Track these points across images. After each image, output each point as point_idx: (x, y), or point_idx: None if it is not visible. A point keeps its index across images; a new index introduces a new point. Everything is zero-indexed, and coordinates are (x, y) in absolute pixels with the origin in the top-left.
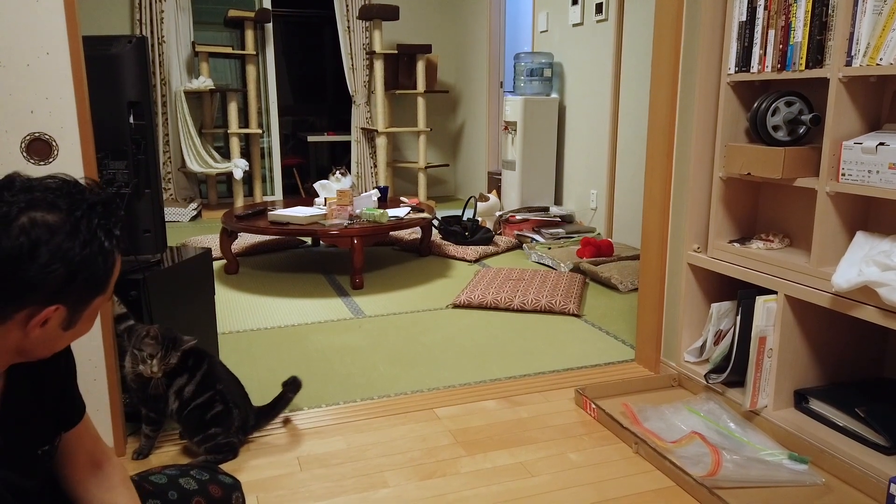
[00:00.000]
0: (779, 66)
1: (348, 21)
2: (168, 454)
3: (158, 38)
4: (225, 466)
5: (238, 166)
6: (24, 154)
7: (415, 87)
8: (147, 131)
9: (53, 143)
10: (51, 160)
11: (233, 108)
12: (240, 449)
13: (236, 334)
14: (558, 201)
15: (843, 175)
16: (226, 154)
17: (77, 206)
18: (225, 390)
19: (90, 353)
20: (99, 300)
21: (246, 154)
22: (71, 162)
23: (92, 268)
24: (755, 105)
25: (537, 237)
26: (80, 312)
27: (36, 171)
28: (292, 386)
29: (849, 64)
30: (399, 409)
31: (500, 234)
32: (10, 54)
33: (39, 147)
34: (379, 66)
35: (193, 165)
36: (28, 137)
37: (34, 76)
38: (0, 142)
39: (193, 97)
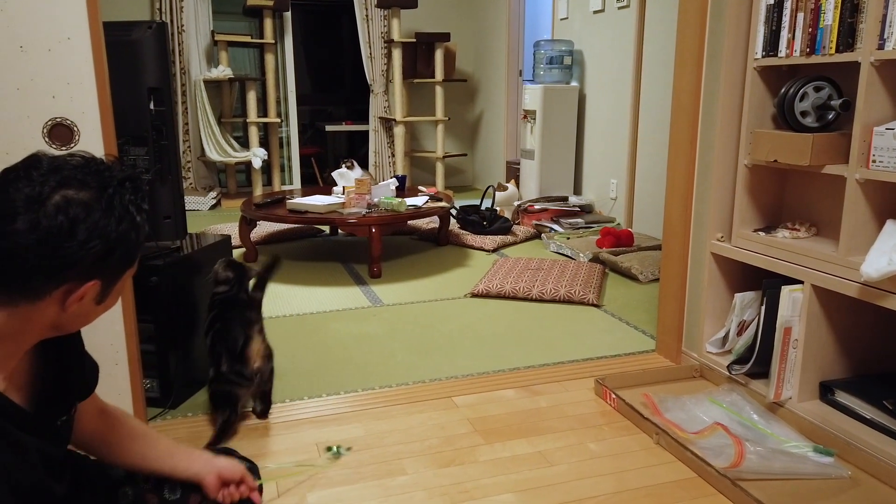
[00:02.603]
0: (808, 50)
1: (366, 9)
2: (186, 440)
3: (178, 27)
4: (244, 451)
5: (257, 155)
6: (47, 139)
7: (433, 76)
8: (167, 117)
9: (75, 129)
10: (72, 145)
11: (251, 98)
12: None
13: None
14: (577, 191)
15: (874, 162)
16: (244, 143)
17: (107, 183)
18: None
19: (112, 338)
20: (129, 273)
21: (264, 143)
22: (92, 147)
23: (127, 242)
24: (783, 90)
25: (556, 227)
26: (113, 286)
27: None
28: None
29: (881, 47)
30: (417, 398)
31: (518, 223)
32: (32, 39)
33: (61, 132)
34: (397, 54)
35: (213, 154)
36: (50, 122)
37: (55, 61)
38: (23, 126)
39: (212, 86)
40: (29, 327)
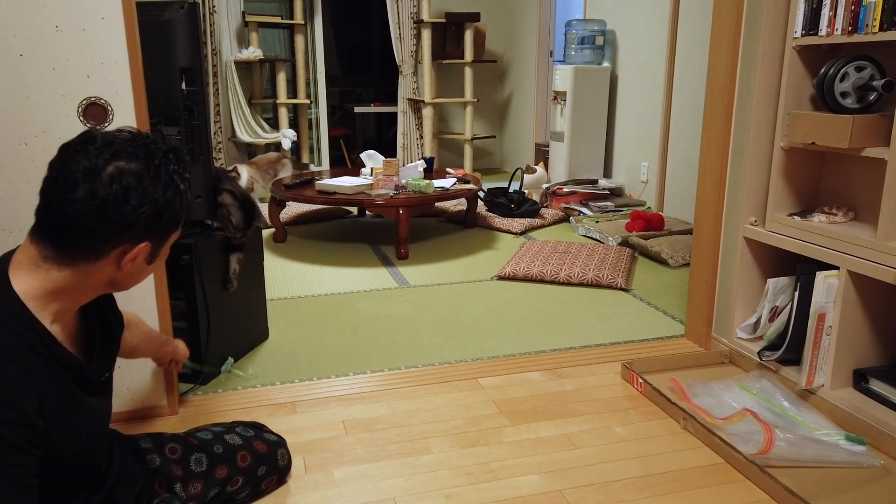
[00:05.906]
0: (849, 28)
1: None
2: (216, 415)
3: (209, 8)
4: (274, 427)
5: (286, 136)
6: (82, 118)
7: (462, 57)
8: (199, 97)
9: (108, 108)
10: (106, 125)
11: (281, 79)
12: None
13: (284, 301)
14: (607, 174)
15: None
16: (274, 124)
17: (154, 154)
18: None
19: (145, 315)
20: (174, 235)
21: (294, 124)
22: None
23: (173, 207)
24: (822, 70)
25: (585, 210)
26: (161, 247)
27: None
28: None
29: None
30: (443, 378)
31: (546, 206)
32: (67, 18)
33: (96, 111)
34: (426, 35)
35: (243, 135)
36: (85, 102)
37: (90, 41)
38: (58, 105)
39: (243, 67)
40: (88, 283)
